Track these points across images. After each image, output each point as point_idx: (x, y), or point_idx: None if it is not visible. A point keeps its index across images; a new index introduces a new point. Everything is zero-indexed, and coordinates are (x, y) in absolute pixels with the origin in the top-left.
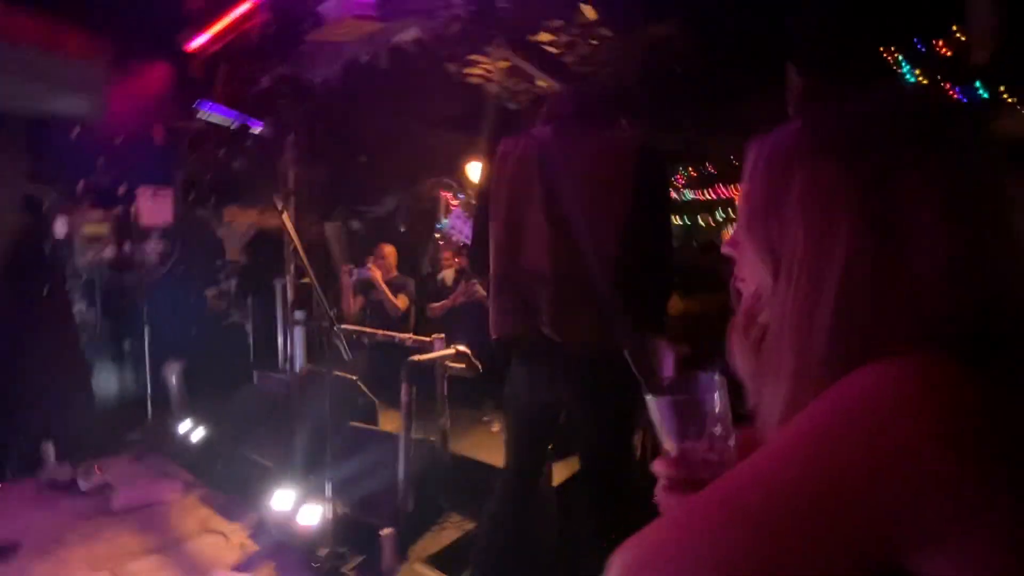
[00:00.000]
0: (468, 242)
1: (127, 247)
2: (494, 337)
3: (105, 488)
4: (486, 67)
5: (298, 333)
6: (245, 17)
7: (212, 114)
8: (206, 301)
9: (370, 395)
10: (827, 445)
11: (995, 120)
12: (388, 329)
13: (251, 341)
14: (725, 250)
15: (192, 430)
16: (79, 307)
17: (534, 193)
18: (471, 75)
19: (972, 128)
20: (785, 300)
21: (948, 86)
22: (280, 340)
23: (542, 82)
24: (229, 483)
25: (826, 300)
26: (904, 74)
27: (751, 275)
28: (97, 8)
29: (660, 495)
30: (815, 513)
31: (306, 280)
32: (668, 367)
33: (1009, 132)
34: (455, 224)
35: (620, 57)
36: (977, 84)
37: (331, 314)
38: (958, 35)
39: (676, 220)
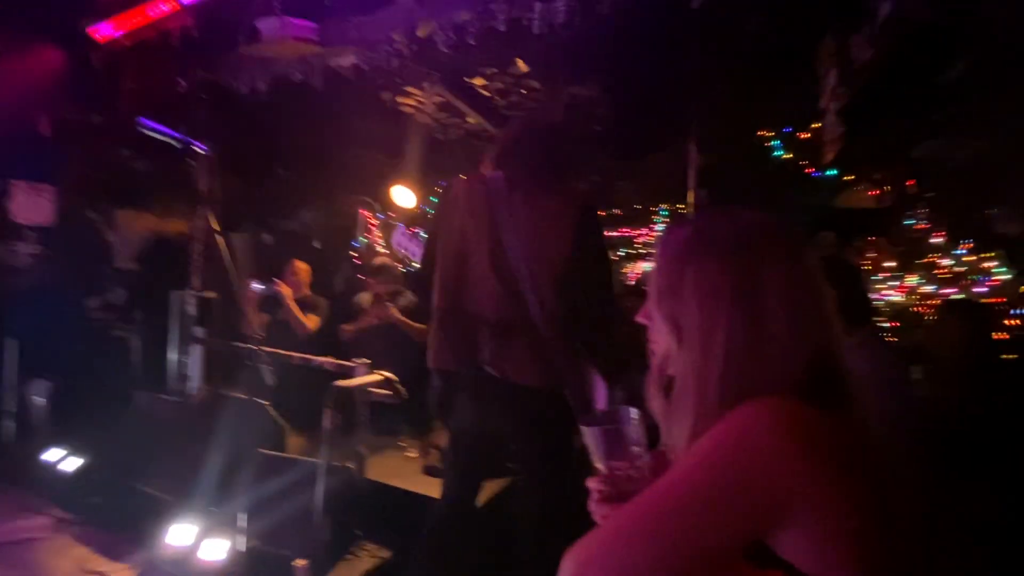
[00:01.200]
0: (414, 260)
1: None
2: (432, 367)
3: None
4: (419, 99)
5: (197, 352)
6: (166, 16)
7: (155, 130)
8: (87, 312)
9: (280, 420)
10: (712, 461)
11: (841, 194)
12: (291, 349)
13: (138, 359)
14: (639, 319)
15: (63, 458)
16: None
17: (482, 237)
18: (404, 104)
19: (802, 241)
20: (686, 360)
21: (810, 167)
22: (173, 359)
23: (472, 119)
24: (111, 518)
25: (715, 361)
26: (776, 153)
27: (660, 339)
28: None
29: (593, 506)
30: (705, 509)
31: (210, 294)
32: (601, 399)
33: (852, 204)
34: (400, 241)
35: (544, 108)
36: (832, 170)
37: (255, 336)
38: (818, 127)
39: None
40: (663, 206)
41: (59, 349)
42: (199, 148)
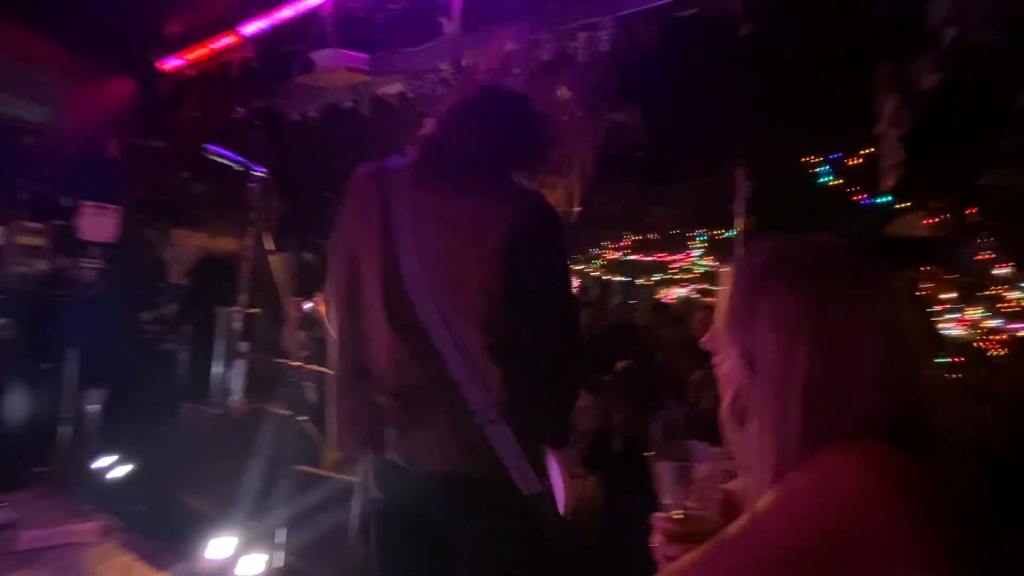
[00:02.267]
0: None
1: (63, 261)
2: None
3: (7, 526)
4: None
5: (240, 366)
6: (227, 49)
7: (218, 154)
8: (140, 325)
9: (317, 435)
10: (795, 514)
11: (893, 221)
12: (325, 368)
13: (185, 371)
14: (703, 345)
15: (112, 466)
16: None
17: (372, 261)
18: None
19: (883, 269)
20: (764, 396)
21: (861, 194)
22: (218, 372)
23: None
24: (154, 527)
25: (795, 398)
26: (822, 178)
27: (731, 368)
28: (66, 17)
29: (657, 543)
30: (797, 559)
31: (255, 311)
32: (556, 479)
33: (903, 231)
34: None
35: (584, 132)
36: (886, 196)
37: (299, 352)
38: (869, 153)
39: (618, 277)
40: (701, 231)
41: (113, 359)
42: (258, 171)
